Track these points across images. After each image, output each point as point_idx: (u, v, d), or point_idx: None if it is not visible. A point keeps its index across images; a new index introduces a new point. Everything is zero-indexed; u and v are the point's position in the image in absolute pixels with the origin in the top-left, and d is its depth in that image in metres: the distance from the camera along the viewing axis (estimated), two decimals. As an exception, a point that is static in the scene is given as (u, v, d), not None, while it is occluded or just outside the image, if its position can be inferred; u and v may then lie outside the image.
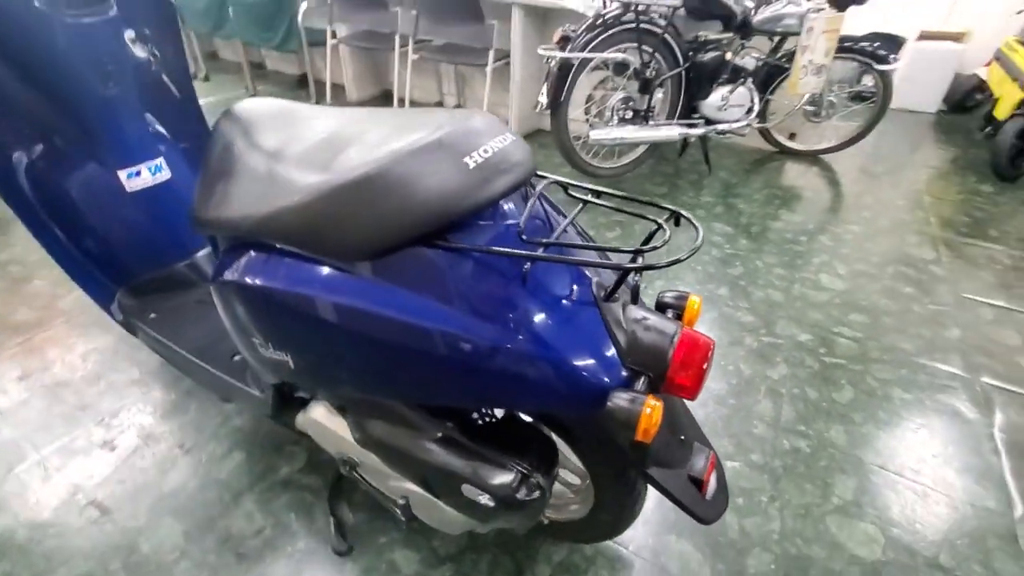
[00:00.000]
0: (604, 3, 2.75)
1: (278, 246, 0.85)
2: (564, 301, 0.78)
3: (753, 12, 2.80)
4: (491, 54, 3.29)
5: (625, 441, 0.79)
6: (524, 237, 0.76)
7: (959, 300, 2.25)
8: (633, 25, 2.59)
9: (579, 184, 0.92)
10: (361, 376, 0.85)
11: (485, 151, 0.76)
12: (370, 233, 0.75)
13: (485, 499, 0.88)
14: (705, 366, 0.75)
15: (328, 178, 0.75)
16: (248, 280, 0.85)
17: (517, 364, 0.75)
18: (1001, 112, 3.34)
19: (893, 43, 2.97)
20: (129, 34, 1.30)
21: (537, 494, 0.87)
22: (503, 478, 0.87)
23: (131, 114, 1.36)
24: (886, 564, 1.30)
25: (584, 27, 2.60)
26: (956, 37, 4.30)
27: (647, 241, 0.81)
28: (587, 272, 0.83)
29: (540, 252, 0.73)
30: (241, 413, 1.67)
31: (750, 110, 3.04)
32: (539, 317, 0.76)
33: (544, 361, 0.74)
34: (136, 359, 1.86)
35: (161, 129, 1.47)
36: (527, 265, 0.76)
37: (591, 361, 0.75)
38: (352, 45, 3.90)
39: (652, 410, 0.70)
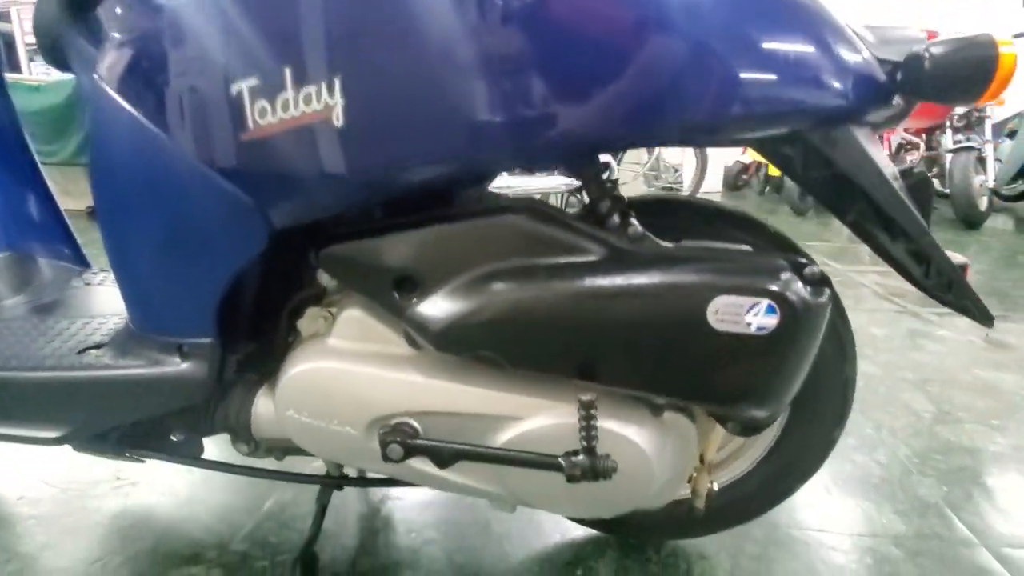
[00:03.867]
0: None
1: None
2: None
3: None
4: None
5: (971, 100, 0.51)
6: None
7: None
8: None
9: None
10: (499, 80, 0.43)
11: None
12: None
13: (758, 317, 0.47)
14: None
15: None
16: None
17: (788, 41, 0.46)
18: (776, 172, 4.29)
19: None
20: None
21: (826, 290, 0.50)
22: (775, 265, 0.49)
23: None
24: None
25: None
26: (715, 137, 5.65)
27: None
28: None
29: None
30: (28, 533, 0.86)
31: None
32: None
33: (817, 39, 0.48)
34: None
35: None
36: None
37: (853, 46, 0.50)
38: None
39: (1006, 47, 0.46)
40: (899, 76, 0.51)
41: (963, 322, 1.90)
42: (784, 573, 0.81)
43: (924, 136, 4.18)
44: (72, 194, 4.09)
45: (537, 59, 0.43)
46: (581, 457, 0.48)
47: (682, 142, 0.53)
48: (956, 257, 0.65)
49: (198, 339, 0.56)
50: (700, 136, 0.51)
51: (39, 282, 1.04)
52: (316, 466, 0.98)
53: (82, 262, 1.18)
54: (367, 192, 0.48)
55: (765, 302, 0.46)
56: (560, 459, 0.49)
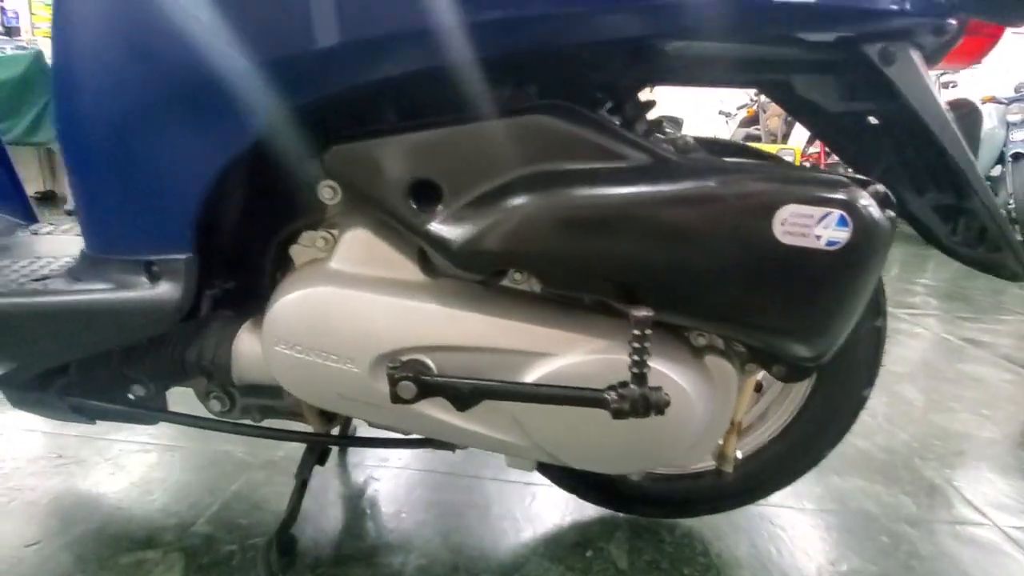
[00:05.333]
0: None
1: None
2: None
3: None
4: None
5: None
6: None
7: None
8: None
9: None
10: None
11: None
12: None
13: (829, 229, 0.42)
14: None
15: None
16: None
17: None
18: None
19: (675, 123, 3.73)
20: None
21: (890, 210, 0.46)
22: (841, 178, 0.44)
23: None
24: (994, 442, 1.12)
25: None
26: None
27: None
28: None
29: None
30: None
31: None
32: None
33: None
34: None
35: None
36: None
37: None
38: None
39: None
40: None
41: (935, 322, 1.95)
42: (804, 552, 0.76)
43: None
44: (23, 178, 3.83)
45: None
46: (631, 387, 0.42)
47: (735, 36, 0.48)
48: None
49: (171, 255, 0.48)
50: (756, 28, 0.46)
51: None
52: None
53: (30, 217, 1.07)
54: (373, 67, 0.42)
55: (837, 213, 0.42)
56: (605, 392, 0.43)
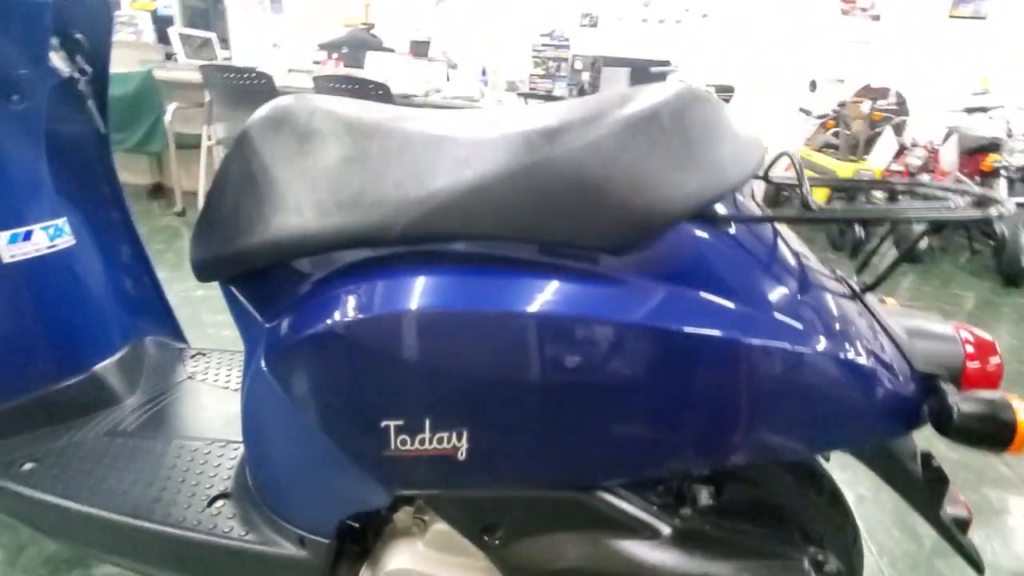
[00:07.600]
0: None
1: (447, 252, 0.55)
2: (839, 298, 0.63)
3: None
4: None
5: (993, 453, 0.60)
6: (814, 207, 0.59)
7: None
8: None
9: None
10: (595, 437, 0.55)
11: (739, 123, 0.62)
12: (639, 205, 0.52)
13: (777, 618, 0.58)
14: (1000, 362, 0.64)
15: (579, 133, 0.52)
16: (415, 307, 0.52)
17: (822, 376, 0.57)
18: (821, 198, 4.26)
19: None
20: (54, 39, 0.91)
21: None
22: (799, 565, 0.60)
23: (29, 150, 0.91)
24: None
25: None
26: (760, 150, 5.54)
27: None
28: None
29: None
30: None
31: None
32: (830, 312, 0.59)
33: (854, 368, 0.57)
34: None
35: (66, 180, 1.02)
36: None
37: (889, 364, 0.59)
38: (234, 146, 3.53)
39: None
40: (931, 410, 0.60)
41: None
42: None
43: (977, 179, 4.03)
44: (134, 171, 4.30)
45: (629, 410, 0.55)
46: None
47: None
48: (961, 511, 0.75)
49: (319, 538, 0.70)
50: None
51: (149, 368, 1.18)
52: None
53: (179, 336, 1.33)
54: None
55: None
56: None
